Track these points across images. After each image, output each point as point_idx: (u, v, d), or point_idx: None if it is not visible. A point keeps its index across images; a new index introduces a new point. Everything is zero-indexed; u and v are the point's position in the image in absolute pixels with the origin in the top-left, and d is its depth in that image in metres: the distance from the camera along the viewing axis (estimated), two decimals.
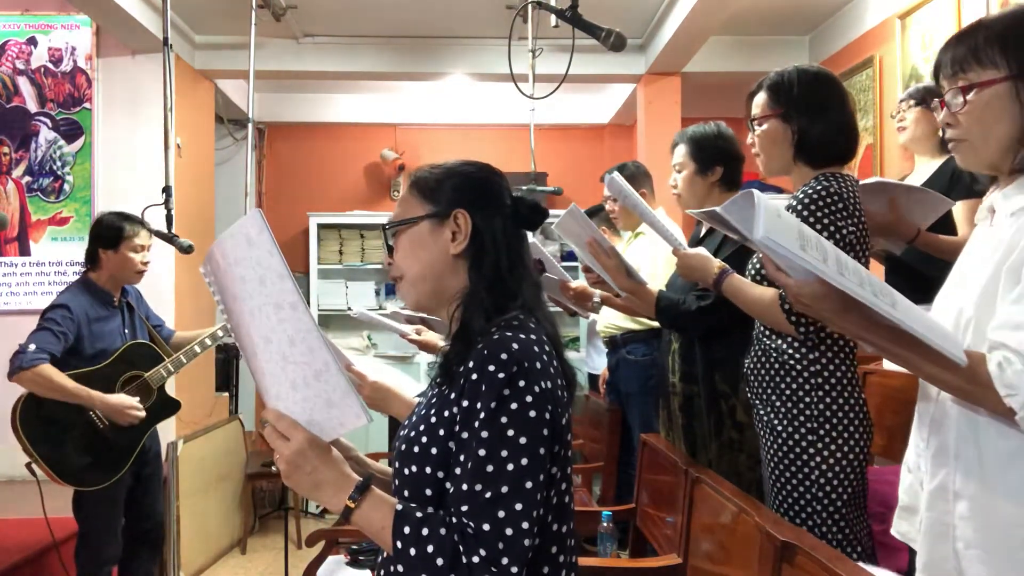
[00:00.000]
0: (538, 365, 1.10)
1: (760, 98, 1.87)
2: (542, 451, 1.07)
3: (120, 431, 2.86)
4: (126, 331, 3.00)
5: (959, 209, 2.34)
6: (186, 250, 2.94)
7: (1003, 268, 1.13)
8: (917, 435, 1.32)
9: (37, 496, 2.88)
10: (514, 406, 1.06)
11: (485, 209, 1.22)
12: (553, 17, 2.90)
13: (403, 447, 1.15)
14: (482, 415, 1.07)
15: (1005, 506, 1.13)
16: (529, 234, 1.30)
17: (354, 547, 2.60)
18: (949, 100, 1.22)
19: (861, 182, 1.86)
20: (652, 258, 3.24)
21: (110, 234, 2.90)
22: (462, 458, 1.08)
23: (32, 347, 2.70)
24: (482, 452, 1.05)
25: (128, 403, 2.84)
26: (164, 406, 3.03)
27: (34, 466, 2.76)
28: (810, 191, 1.73)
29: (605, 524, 2.49)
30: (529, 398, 1.07)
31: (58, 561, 3.09)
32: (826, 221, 1.69)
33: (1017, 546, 1.12)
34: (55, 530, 3.02)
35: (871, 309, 1.06)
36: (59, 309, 2.81)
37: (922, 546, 1.26)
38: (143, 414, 2.87)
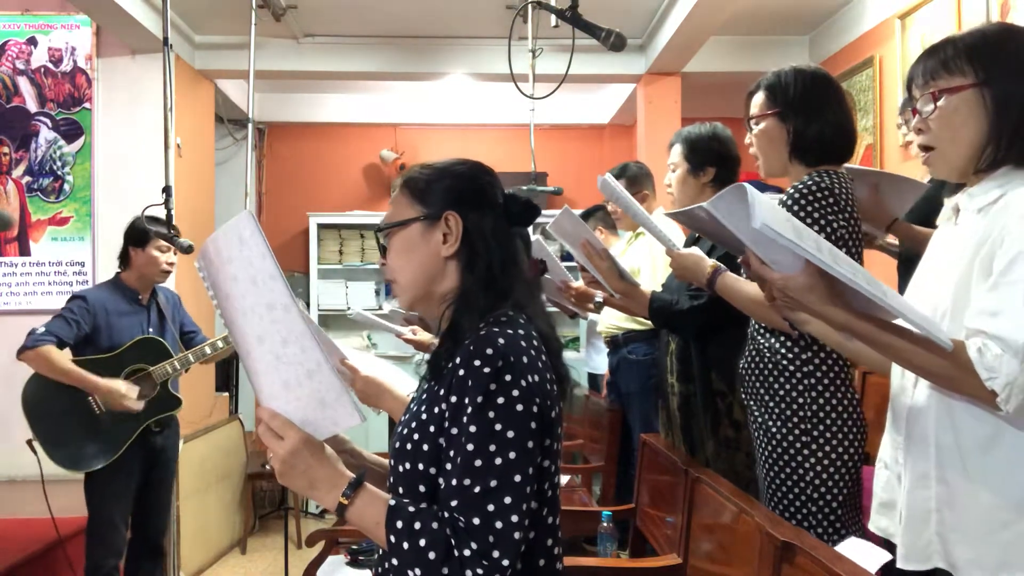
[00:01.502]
0: (524, 359, 1.10)
1: (758, 98, 1.88)
2: (530, 445, 1.08)
3: (116, 420, 2.93)
4: (150, 330, 3.09)
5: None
6: (186, 250, 2.97)
7: (976, 260, 1.19)
8: (893, 430, 1.36)
9: (34, 495, 2.91)
10: (501, 400, 1.07)
11: (476, 209, 1.22)
12: (553, 17, 2.90)
13: (397, 444, 1.17)
14: (469, 410, 1.07)
15: (984, 489, 1.18)
16: (532, 234, 1.31)
17: (354, 547, 2.60)
18: (921, 108, 1.30)
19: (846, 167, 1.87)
20: (652, 259, 3.24)
21: (138, 234, 3.03)
22: (452, 453, 1.08)
23: (41, 329, 2.85)
24: (470, 447, 1.06)
25: (121, 389, 2.89)
26: (165, 402, 3.06)
27: (34, 443, 2.86)
28: (800, 186, 1.73)
29: (605, 524, 2.49)
30: (516, 392, 1.08)
31: (64, 558, 3.14)
32: (816, 215, 1.69)
33: (997, 527, 1.17)
34: (57, 529, 3.04)
35: (861, 298, 1.11)
36: (77, 300, 2.98)
37: (903, 535, 1.29)
38: (136, 404, 2.92)
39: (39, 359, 2.81)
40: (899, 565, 1.29)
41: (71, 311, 2.92)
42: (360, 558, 2.56)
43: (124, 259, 3.09)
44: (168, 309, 3.19)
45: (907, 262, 2.37)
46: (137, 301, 3.09)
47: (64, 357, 2.86)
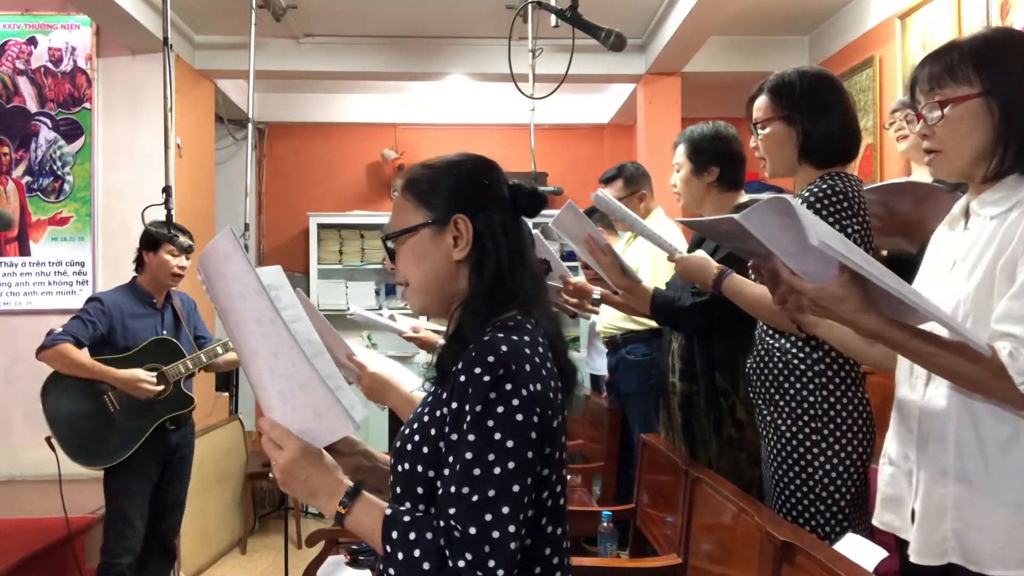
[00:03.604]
0: (527, 367, 1.09)
1: (761, 101, 1.88)
2: (530, 454, 1.07)
3: (130, 418, 2.98)
4: (164, 332, 3.15)
5: None
6: (186, 250, 3.01)
7: (997, 266, 1.20)
8: (901, 427, 1.38)
9: (35, 495, 2.92)
10: (500, 409, 1.06)
11: (484, 208, 1.20)
12: (553, 17, 2.89)
13: (399, 444, 1.17)
14: (469, 418, 1.06)
15: (1006, 487, 1.21)
16: (534, 233, 1.30)
17: (354, 547, 2.60)
18: (926, 114, 1.31)
19: (892, 181, 1.89)
20: (651, 260, 3.23)
21: (151, 238, 3.08)
22: (450, 460, 1.08)
23: (59, 329, 2.93)
24: (469, 455, 1.05)
25: (139, 376, 2.96)
26: (177, 400, 3.11)
27: (53, 440, 2.93)
28: (816, 190, 1.74)
29: (605, 524, 2.49)
30: (516, 401, 1.06)
31: (71, 556, 3.17)
32: (831, 220, 1.70)
33: (1017, 524, 1.20)
34: (59, 528, 3.07)
35: (892, 305, 1.13)
36: (92, 302, 3.06)
37: (918, 531, 1.31)
38: (155, 387, 2.97)
39: (57, 356, 2.89)
40: (913, 560, 1.31)
41: (87, 312, 2.99)
42: (360, 558, 2.55)
43: (139, 263, 3.16)
44: (184, 313, 3.26)
45: (896, 262, 2.35)
46: (151, 304, 3.16)
47: (80, 353, 2.93)
